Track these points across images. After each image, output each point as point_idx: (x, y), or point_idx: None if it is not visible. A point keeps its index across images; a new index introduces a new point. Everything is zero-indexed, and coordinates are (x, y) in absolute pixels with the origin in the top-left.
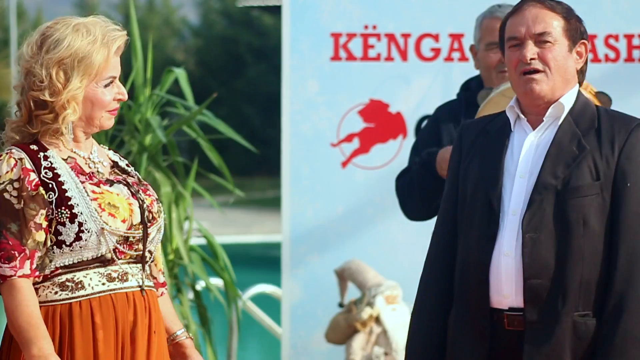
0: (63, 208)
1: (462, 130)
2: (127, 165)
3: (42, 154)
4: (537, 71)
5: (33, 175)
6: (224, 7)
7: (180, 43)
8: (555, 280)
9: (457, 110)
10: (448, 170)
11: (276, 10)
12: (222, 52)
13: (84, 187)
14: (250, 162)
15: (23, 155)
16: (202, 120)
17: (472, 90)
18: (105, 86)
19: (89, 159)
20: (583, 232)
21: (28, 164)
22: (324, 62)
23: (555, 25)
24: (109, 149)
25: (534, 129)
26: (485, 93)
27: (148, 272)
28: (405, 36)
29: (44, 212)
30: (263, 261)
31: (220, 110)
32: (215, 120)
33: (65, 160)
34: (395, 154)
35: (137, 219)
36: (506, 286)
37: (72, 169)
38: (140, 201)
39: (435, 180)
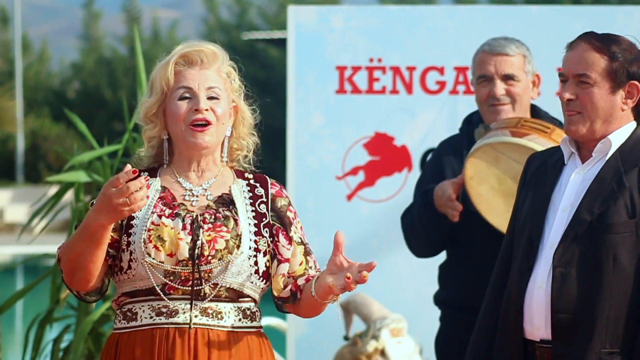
0: (125, 236)
1: (528, 163)
2: (251, 198)
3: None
4: (574, 111)
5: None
6: (228, 39)
7: None
8: (582, 316)
9: (460, 144)
10: (516, 200)
11: (281, 43)
12: None
13: (150, 218)
14: None
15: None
16: None
17: (474, 123)
18: (180, 99)
19: (190, 190)
20: (613, 269)
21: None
22: (329, 94)
23: (597, 66)
24: (255, 178)
25: (583, 163)
26: (480, 131)
27: (204, 307)
28: (411, 69)
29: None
30: (268, 294)
31: None
32: None
33: (162, 189)
34: (401, 186)
35: (183, 254)
36: (537, 318)
37: (160, 199)
38: (195, 236)
39: (437, 217)
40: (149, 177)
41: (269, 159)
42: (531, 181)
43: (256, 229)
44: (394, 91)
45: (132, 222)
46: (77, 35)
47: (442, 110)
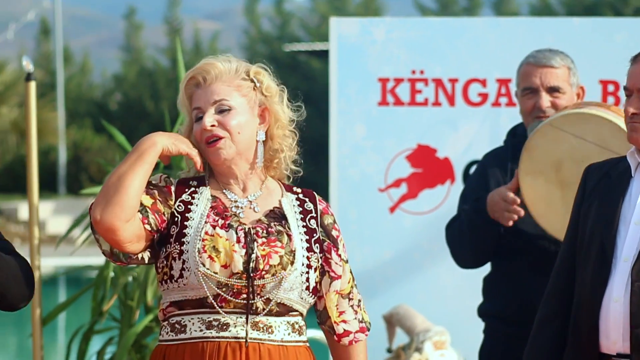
0: (177, 244)
1: (587, 173)
2: (301, 213)
3: (193, 188)
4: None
5: (170, 191)
6: (270, 51)
7: None
8: None
9: (504, 157)
10: (572, 211)
11: (323, 55)
12: None
13: (204, 228)
14: None
15: (172, 180)
16: None
17: (518, 136)
18: (196, 120)
19: (235, 202)
20: None
21: (172, 187)
22: (371, 106)
23: None
24: (303, 192)
25: None
26: (535, 124)
27: (261, 322)
28: (453, 81)
29: (155, 199)
30: (311, 306)
31: None
32: None
33: (212, 198)
34: (443, 199)
35: (238, 266)
36: (614, 332)
37: (212, 209)
38: (250, 250)
39: (487, 225)
40: (195, 184)
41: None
42: (594, 193)
43: (308, 245)
44: (437, 103)
45: (184, 230)
46: (118, 47)
47: (485, 122)
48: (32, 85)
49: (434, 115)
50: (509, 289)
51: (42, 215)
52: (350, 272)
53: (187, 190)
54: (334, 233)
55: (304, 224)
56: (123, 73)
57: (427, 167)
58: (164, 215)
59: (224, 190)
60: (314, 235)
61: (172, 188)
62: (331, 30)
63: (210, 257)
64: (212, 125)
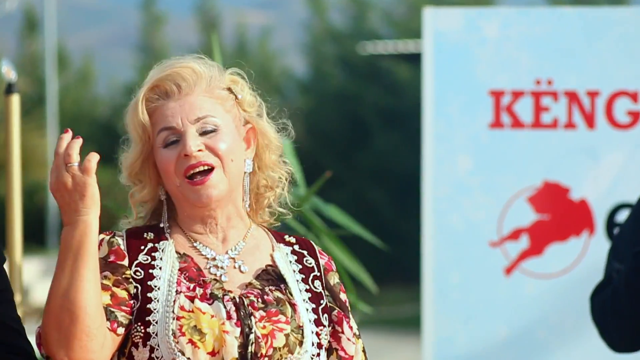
0: (139, 324)
1: None
2: (301, 272)
3: (150, 243)
4: None
5: (122, 256)
6: (342, 54)
7: (281, 102)
8: None
9: None
10: None
11: (414, 60)
12: (339, 115)
13: (175, 301)
14: (379, 266)
15: (119, 240)
16: (313, 208)
17: None
18: (166, 146)
19: (214, 260)
20: None
21: (122, 247)
22: (480, 129)
23: None
24: (299, 242)
25: None
26: None
27: None
28: (592, 94)
29: (110, 280)
30: None
31: (337, 195)
32: (330, 208)
33: (180, 257)
34: (579, 256)
35: (232, 353)
36: None
37: (181, 272)
38: (246, 328)
39: None
40: (151, 237)
41: (396, 217)
42: None
43: (316, 316)
44: (570, 125)
45: (149, 305)
46: (132, 47)
47: (636, 151)
48: (15, 99)
49: (565, 141)
50: None
51: (26, 278)
52: (364, 351)
53: (142, 247)
54: (342, 297)
55: (307, 286)
56: (138, 82)
57: (557, 212)
58: (130, 297)
59: (195, 244)
60: (321, 302)
61: (123, 249)
62: (425, 24)
63: (191, 341)
64: (199, 150)
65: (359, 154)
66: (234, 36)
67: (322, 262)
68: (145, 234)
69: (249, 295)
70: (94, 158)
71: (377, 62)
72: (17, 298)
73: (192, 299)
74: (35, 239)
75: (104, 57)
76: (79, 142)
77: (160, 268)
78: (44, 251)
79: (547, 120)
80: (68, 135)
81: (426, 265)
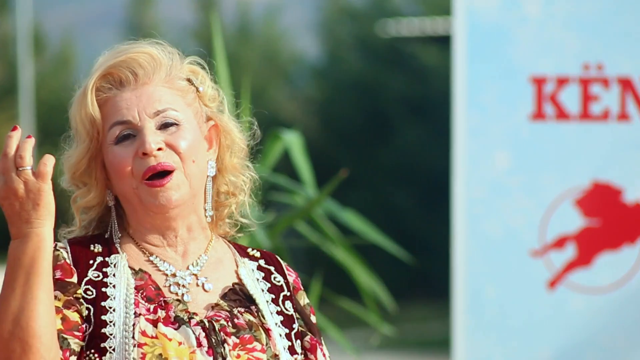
0: (93, 352)
1: None
2: (270, 291)
3: (99, 257)
4: None
5: (70, 272)
6: (360, 37)
7: (292, 92)
8: None
9: None
10: None
11: (442, 42)
12: (357, 106)
13: (135, 324)
14: (402, 279)
15: (64, 253)
16: (327, 212)
17: None
18: (118, 142)
19: (174, 276)
20: None
21: (69, 261)
22: (520, 122)
23: None
24: (264, 256)
25: None
26: None
27: None
28: None
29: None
30: None
31: (355, 197)
32: (346, 213)
33: (135, 273)
34: (634, 268)
35: None
36: None
37: (138, 291)
38: (219, 358)
39: None
40: (99, 249)
41: (423, 223)
42: None
43: (289, 343)
44: (623, 116)
45: (103, 330)
46: (117, 26)
47: None
48: None
49: (618, 135)
50: None
51: None
52: None
53: (91, 262)
54: (313, 319)
55: (278, 308)
56: None
57: (608, 217)
58: (83, 321)
59: (151, 257)
60: (293, 326)
61: (69, 263)
62: (456, 1)
63: None
64: (159, 149)
65: (380, 150)
66: (236, 15)
67: (290, 279)
68: (92, 245)
69: (217, 318)
70: (49, 161)
71: (401, 47)
72: None
73: (154, 323)
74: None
75: (86, 38)
76: (31, 142)
77: (114, 286)
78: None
79: (596, 111)
80: (17, 133)
81: (457, 277)
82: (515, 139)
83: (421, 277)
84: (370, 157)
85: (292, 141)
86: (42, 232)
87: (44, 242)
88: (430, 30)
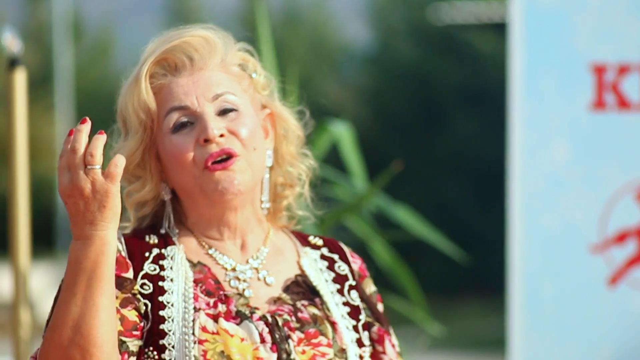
0: (151, 349)
1: None
2: (335, 281)
3: (156, 249)
4: None
5: (125, 266)
6: (414, 24)
7: (341, 80)
8: None
9: None
10: None
11: (499, 31)
12: (409, 95)
13: (195, 320)
14: (456, 276)
15: (120, 245)
16: (378, 208)
17: None
18: (175, 130)
19: (233, 270)
20: None
21: (124, 254)
22: (579, 111)
23: None
24: (327, 244)
25: None
26: None
27: None
28: None
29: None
30: None
31: (407, 191)
32: (399, 209)
33: (193, 266)
34: None
35: None
36: None
37: (196, 284)
38: (283, 354)
39: None
40: (155, 241)
41: (477, 217)
42: None
43: (357, 335)
44: None
45: (162, 326)
46: (157, 13)
47: None
48: (20, 75)
49: None
50: None
51: (34, 287)
52: None
53: (147, 254)
54: (380, 308)
55: (344, 299)
56: None
57: None
58: (140, 319)
59: (210, 251)
60: (360, 317)
61: (124, 256)
62: None
63: None
64: (222, 135)
65: (433, 142)
66: (282, 2)
67: (355, 267)
68: (147, 237)
69: (280, 312)
70: (121, 162)
71: (456, 35)
72: (23, 315)
73: (215, 318)
74: (43, 242)
75: (126, 25)
76: (103, 139)
77: (171, 280)
78: (53, 255)
79: None
80: (86, 126)
81: (513, 274)
82: (574, 130)
83: (475, 273)
84: (423, 149)
85: (342, 132)
86: (106, 235)
87: (107, 246)
88: (486, 17)
